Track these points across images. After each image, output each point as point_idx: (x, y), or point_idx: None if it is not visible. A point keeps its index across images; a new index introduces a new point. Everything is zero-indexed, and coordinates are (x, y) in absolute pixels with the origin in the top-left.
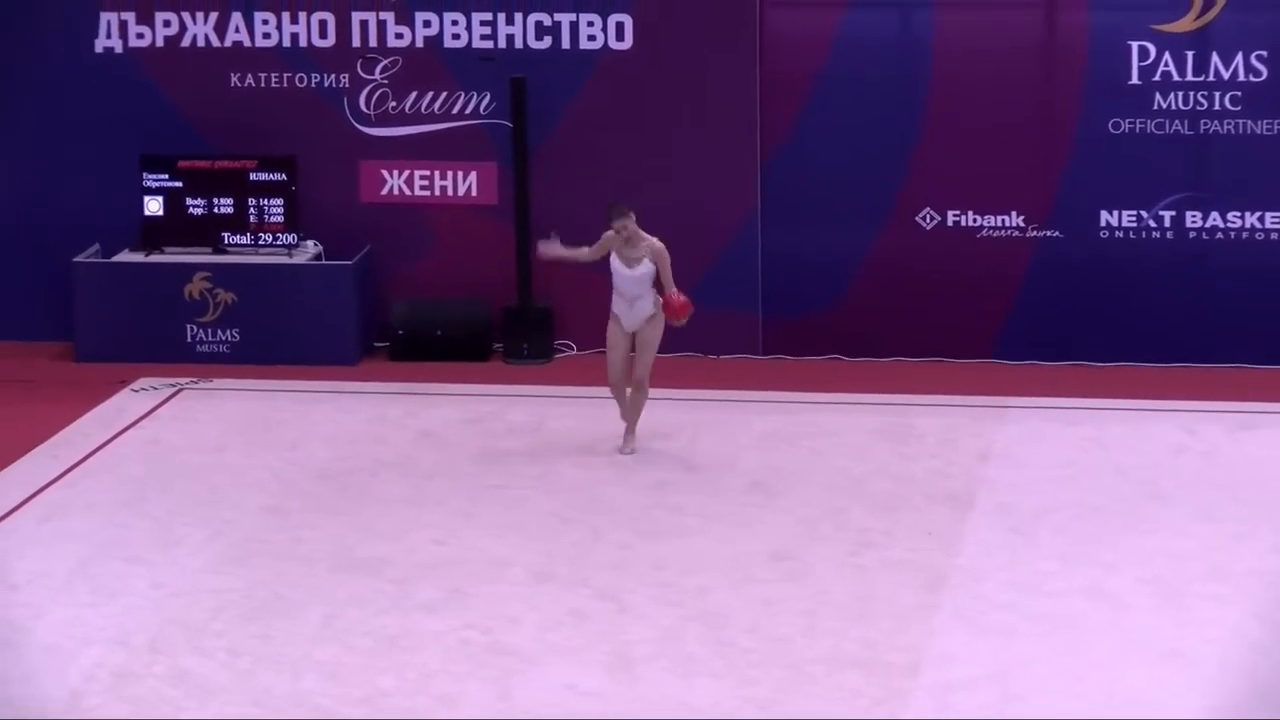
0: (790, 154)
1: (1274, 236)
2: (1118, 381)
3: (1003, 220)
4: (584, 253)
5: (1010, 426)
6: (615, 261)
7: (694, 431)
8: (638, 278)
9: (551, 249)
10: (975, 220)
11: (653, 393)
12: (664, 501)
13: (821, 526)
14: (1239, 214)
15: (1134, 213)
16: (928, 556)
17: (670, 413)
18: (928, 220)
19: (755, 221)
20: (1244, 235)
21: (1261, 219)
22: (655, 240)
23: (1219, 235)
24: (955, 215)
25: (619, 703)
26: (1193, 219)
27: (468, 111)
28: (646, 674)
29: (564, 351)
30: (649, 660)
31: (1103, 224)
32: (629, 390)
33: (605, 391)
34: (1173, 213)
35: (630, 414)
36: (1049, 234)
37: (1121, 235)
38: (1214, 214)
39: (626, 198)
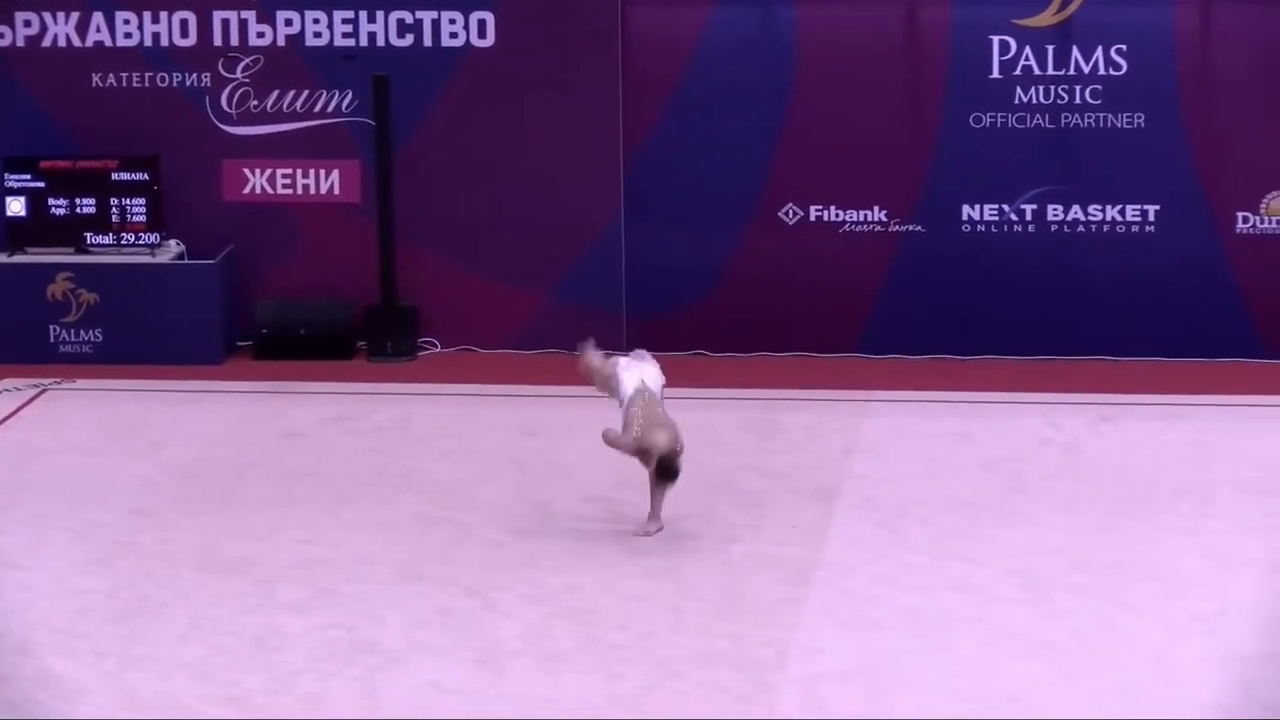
0: (654, 151)
1: (1135, 229)
2: (981, 375)
3: (865, 215)
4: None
5: (876, 420)
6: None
7: (561, 430)
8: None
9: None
10: (838, 215)
11: (519, 390)
12: (532, 498)
13: (688, 522)
14: (1100, 207)
15: (996, 207)
16: (794, 551)
17: (539, 411)
18: (790, 216)
19: (619, 219)
20: (1105, 228)
21: (1123, 212)
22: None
23: (1081, 228)
24: (818, 211)
25: (485, 700)
26: (1055, 212)
27: (330, 110)
28: (513, 671)
29: (428, 349)
30: (516, 657)
31: (965, 218)
32: None
33: (471, 388)
34: (1035, 206)
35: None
36: (912, 229)
37: (984, 229)
38: (1076, 207)
39: (490, 196)
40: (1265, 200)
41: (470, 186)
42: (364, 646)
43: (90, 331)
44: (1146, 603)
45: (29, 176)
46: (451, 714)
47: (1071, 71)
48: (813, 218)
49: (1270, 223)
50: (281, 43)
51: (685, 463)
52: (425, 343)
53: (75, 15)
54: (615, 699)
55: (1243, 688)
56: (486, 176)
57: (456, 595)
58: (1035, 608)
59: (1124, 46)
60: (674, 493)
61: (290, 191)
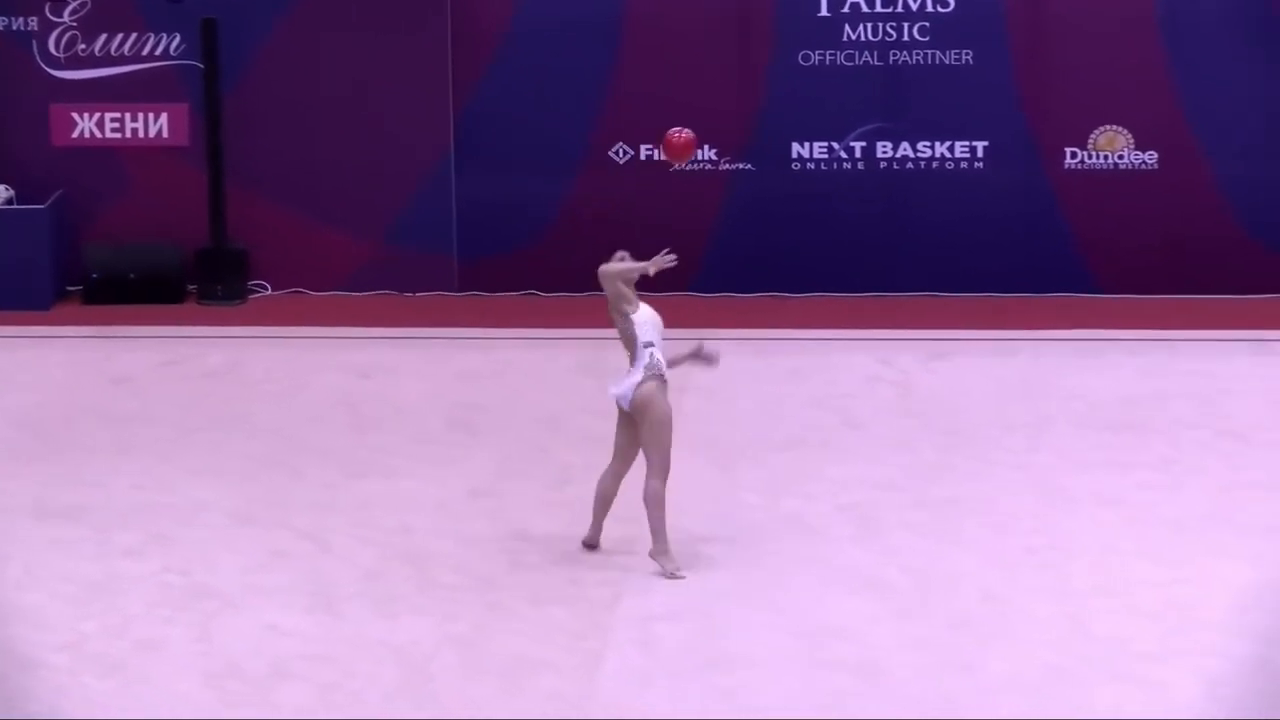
0: (484, 94)
1: (964, 166)
2: (813, 313)
3: (696, 154)
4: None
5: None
6: (646, 311)
7: (393, 370)
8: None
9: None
10: None
11: (349, 332)
12: (365, 441)
13: (521, 463)
14: (929, 144)
15: (826, 145)
16: (628, 491)
17: (368, 352)
18: (621, 156)
19: (449, 161)
20: (934, 165)
21: (952, 149)
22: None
23: (910, 165)
24: (649, 150)
25: (321, 642)
26: (884, 149)
27: (158, 53)
28: (348, 613)
29: (258, 292)
30: (351, 599)
31: (795, 156)
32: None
33: (302, 331)
34: (864, 144)
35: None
36: (742, 167)
37: (814, 167)
38: (905, 144)
39: (321, 140)
40: (1093, 135)
41: (300, 129)
42: (199, 591)
43: None
44: (978, 538)
45: None
46: (288, 656)
47: (899, 9)
48: (643, 157)
49: (1099, 158)
50: None
51: (518, 404)
52: (256, 286)
53: None
54: (451, 640)
55: (1073, 621)
56: (316, 119)
57: (291, 538)
58: (868, 544)
59: None
60: (509, 433)
61: (119, 135)
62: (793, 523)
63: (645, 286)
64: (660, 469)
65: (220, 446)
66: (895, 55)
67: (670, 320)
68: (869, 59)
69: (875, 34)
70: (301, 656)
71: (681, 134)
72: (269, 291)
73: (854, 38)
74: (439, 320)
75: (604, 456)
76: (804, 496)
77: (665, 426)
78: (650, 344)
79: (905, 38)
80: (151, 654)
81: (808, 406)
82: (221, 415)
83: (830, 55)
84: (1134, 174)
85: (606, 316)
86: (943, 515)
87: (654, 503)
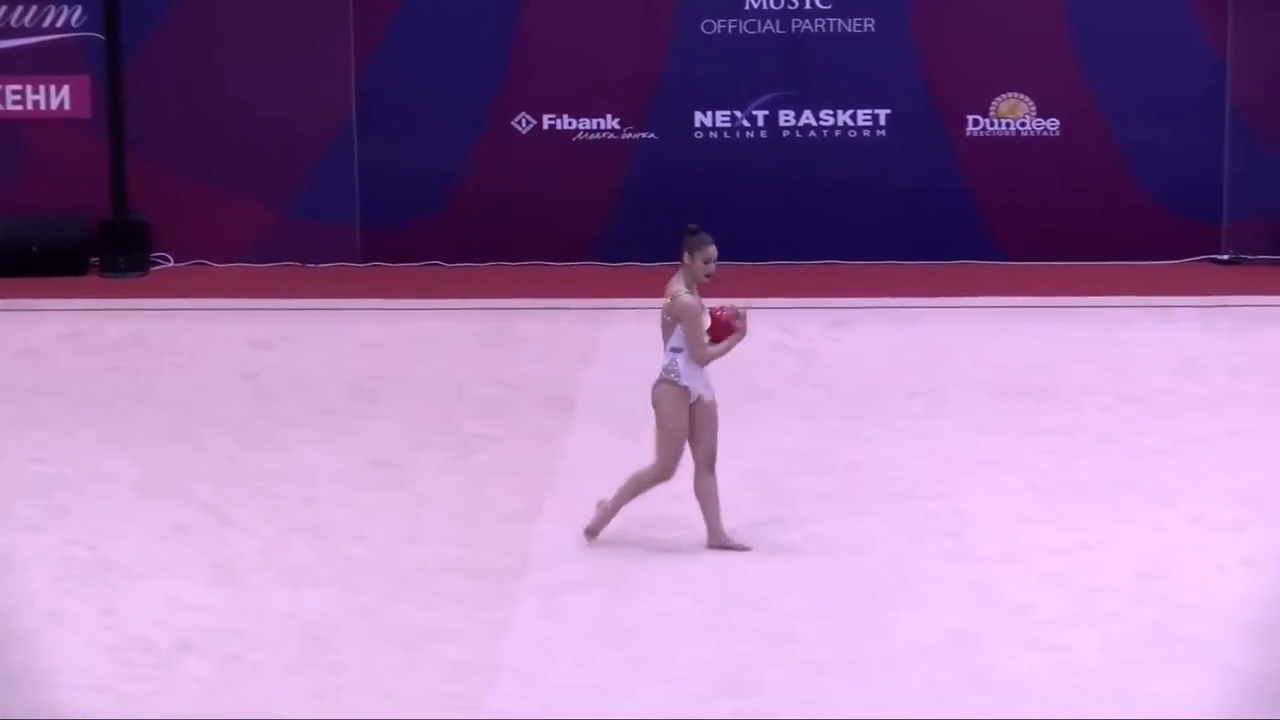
0: (385, 63)
1: (866, 133)
2: (715, 281)
3: (598, 123)
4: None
5: (612, 329)
6: (704, 318)
7: (295, 341)
8: None
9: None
10: (571, 124)
11: (251, 303)
12: (267, 413)
13: (425, 433)
14: (832, 112)
15: (728, 113)
16: (531, 460)
17: (270, 323)
18: (523, 125)
19: (351, 131)
20: (837, 133)
21: (854, 116)
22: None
23: (812, 133)
24: (551, 119)
25: (225, 614)
26: (786, 118)
27: (59, 25)
28: (252, 584)
29: (161, 264)
30: (255, 571)
31: (697, 125)
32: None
33: (204, 303)
34: (766, 112)
35: (713, 514)
36: (645, 136)
37: (716, 136)
38: (807, 112)
39: (222, 110)
40: (995, 102)
41: (201, 100)
42: (103, 564)
43: None
44: (883, 505)
45: None
46: (192, 628)
47: None
48: (545, 126)
49: (1000, 125)
50: None
51: (420, 373)
52: (158, 258)
53: None
54: (355, 611)
55: (978, 586)
56: (216, 90)
57: (193, 510)
58: (773, 512)
59: None
60: (411, 402)
61: (20, 108)
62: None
63: (549, 257)
64: (658, 470)
65: (123, 419)
66: (797, 23)
67: (573, 290)
68: (771, 27)
69: (777, 2)
70: (205, 628)
71: (722, 312)
72: (171, 263)
73: (756, 6)
74: (341, 291)
75: (506, 425)
76: None
77: (671, 429)
78: (678, 349)
79: (807, 6)
80: (55, 627)
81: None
82: (124, 387)
83: (732, 24)
84: (1036, 141)
85: (512, 288)
86: (847, 482)
87: (634, 484)
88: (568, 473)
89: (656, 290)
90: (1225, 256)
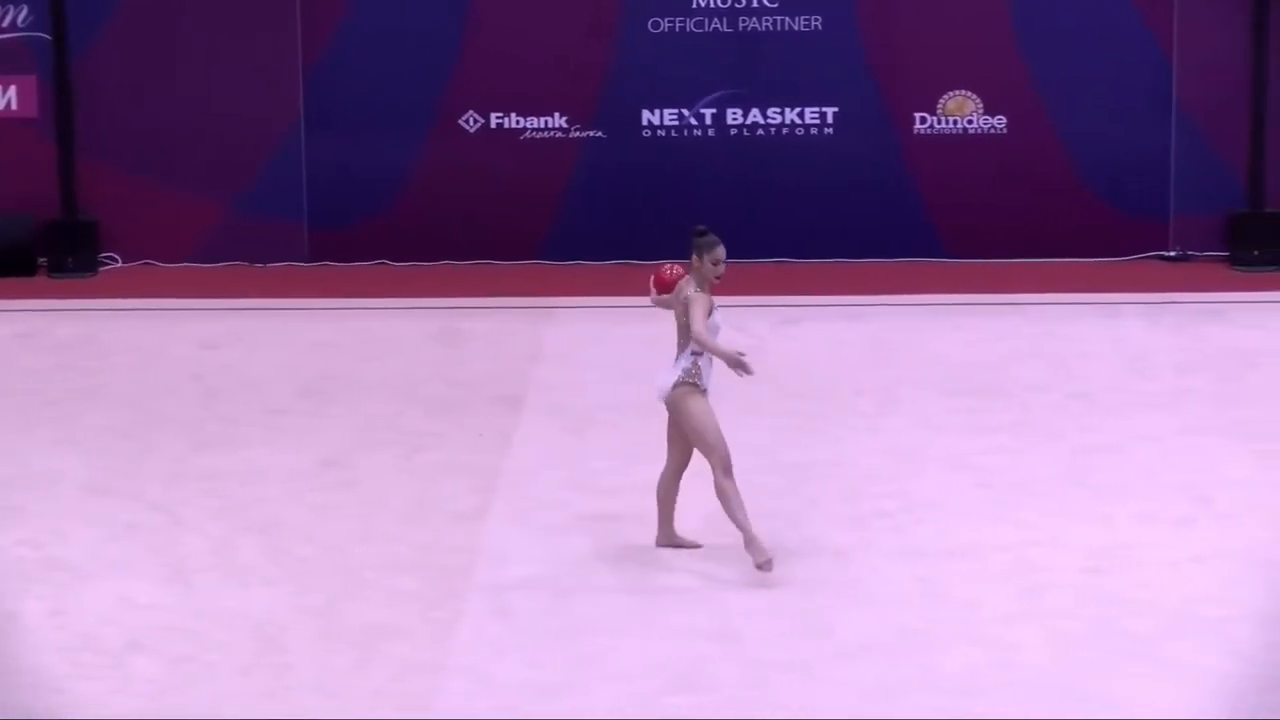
0: (333, 62)
1: (814, 131)
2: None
3: (546, 122)
4: (702, 335)
5: (561, 327)
6: (716, 318)
7: (244, 341)
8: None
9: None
10: (519, 123)
11: (200, 303)
12: (217, 412)
13: (375, 432)
14: (779, 110)
15: (676, 111)
16: (480, 459)
17: (219, 323)
18: (471, 124)
19: (299, 130)
20: (785, 131)
21: (802, 114)
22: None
23: (760, 131)
24: (499, 118)
25: (176, 614)
26: (734, 116)
27: (5, 24)
28: (203, 584)
29: (109, 264)
30: (205, 571)
31: (645, 123)
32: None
33: (153, 303)
34: (714, 110)
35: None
36: (592, 135)
37: (664, 134)
38: (755, 110)
39: (171, 110)
40: (942, 100)
41: (149, 99)
42: (52, 564)
43: None
44: (831, 501)
45: None
46: (142, 628)
47: None
48: (493, 125)
49: (948, 123)
50: None
51: (370, 373)
52: (106, 258)
53: None
54: (305, 611)
55: (925, 584)
56: (165, 89)
57: (144, 510)
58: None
59: None
60: (361, 402)
61: None
62: (646, 489)
63: (497, 256)
64: (718, 465)
65: (73, 419)
66: (745, 22)
67: (522, 289)
68: (718, 25)
69: (724, 1)
70: (156, 628)
71: (673, 270)
72: (119, 263)
73: (703, 4)
74: (290, 290)
75: (455, 424)
76: (657, 463)
77: (703, 427)
78: (698, 352)
79: (754, 4)
80: (5, 627)
81: (660, 373)
82: (74, 388)
83: (680, 22)
84: (983, 138)
85: (461, 286)
86: (797, 479)
87: (722, 498)
88: (517, 471)
89: (605, 288)
90: (1172, 253)
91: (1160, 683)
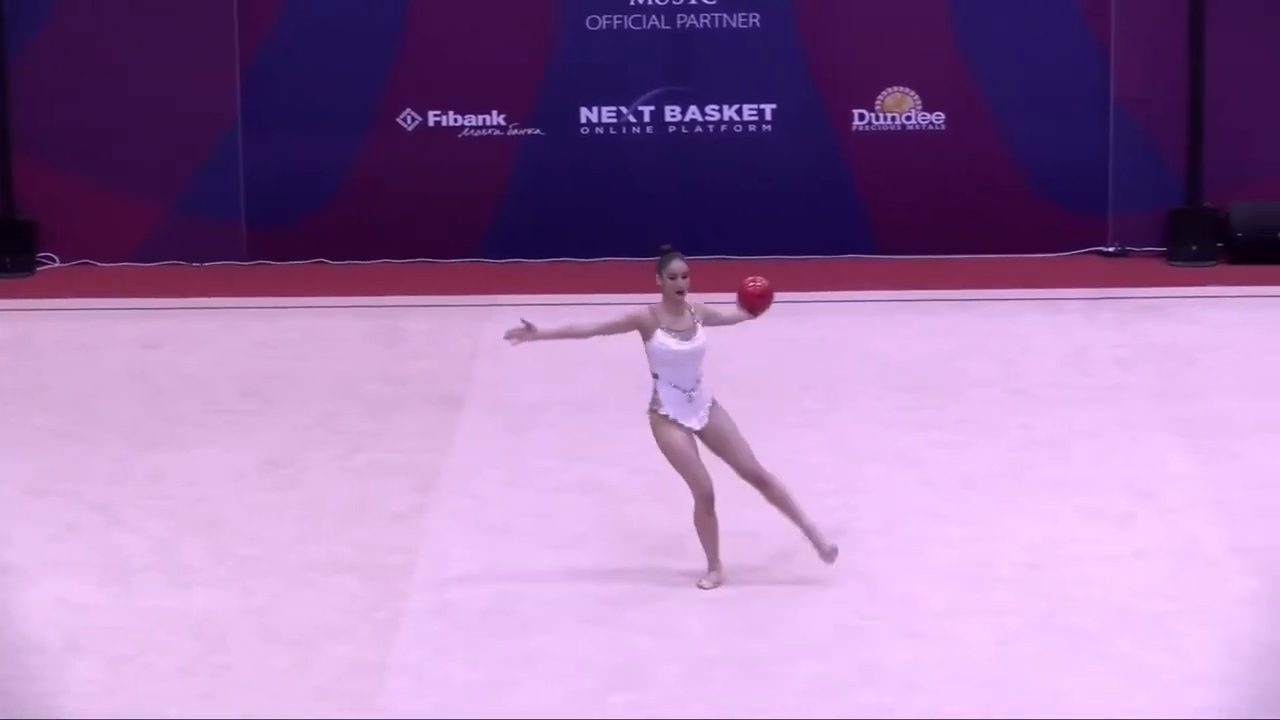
0: (270, 60)
1: (753, 129)
2: (603, 277)
3: (484, 120)
4: (585, 326)
5: (500, 325)
6: (661, 339)
7: (184, 340)
8: (697, 352)
9: (527, 335)
10: (457, 120)
11: (139, 303)
12: (157, 412)
13: (315, 431)
14: (718, 107)
15: (614, 109)
16: (421, 457)
17: (157, 322)
18: (409, 122)
19: (236, 128)
20: (723, 128)
21: (740, 111)
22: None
23: (699, 129)
24: (436, 116)
25: (115, 614)
26: (673, 113)
27: None
28: (143, 585)
29: (47, 264)
30: (145, 571)
31: (584, 121)
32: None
33: (92, 303)
34: (653, 108)
35: (795, 516)
36: (531, 132)
37: (602, 131)
38: (693, 108)
39: (108, 108)
40: (881, 97)
41: (86, 98)
42: None
43: None
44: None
45: None
46: (82, 629)
47: None
48: (431, 123)
49: (886, 119)
50: None
51: (309, 372)
52: (44, 257)
53: None
54: (247, 611)
55: (867, 580)
56: (101, 89)
57: (84, 510)
58: (664, 505)
59: None
60: (301, 401)
61: None
62: (586, 486)
63: (435, 254)
64: (697, 498)
65: (12, 419)
66: (682, 19)
67: (459, 286)
68: (656, 23)
69: None
70: (96, 629)
71: (757, 283)
72: (57, 263)
73: (641, 1)
74: (229, 290)
75: (396, 423)
76: (598, 460)
77: (672, 459)
78: (656, 375)
79: (692, 1)
80: None
81: (601, 369)
82: (12, 388)
83: (617, 19)
84: (922, 135)
85: (398, 284)
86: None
87: (696, 525)
88: (457, 470)
89: (545, 286)
90: (1111, 249)
91: (1102, 679)
